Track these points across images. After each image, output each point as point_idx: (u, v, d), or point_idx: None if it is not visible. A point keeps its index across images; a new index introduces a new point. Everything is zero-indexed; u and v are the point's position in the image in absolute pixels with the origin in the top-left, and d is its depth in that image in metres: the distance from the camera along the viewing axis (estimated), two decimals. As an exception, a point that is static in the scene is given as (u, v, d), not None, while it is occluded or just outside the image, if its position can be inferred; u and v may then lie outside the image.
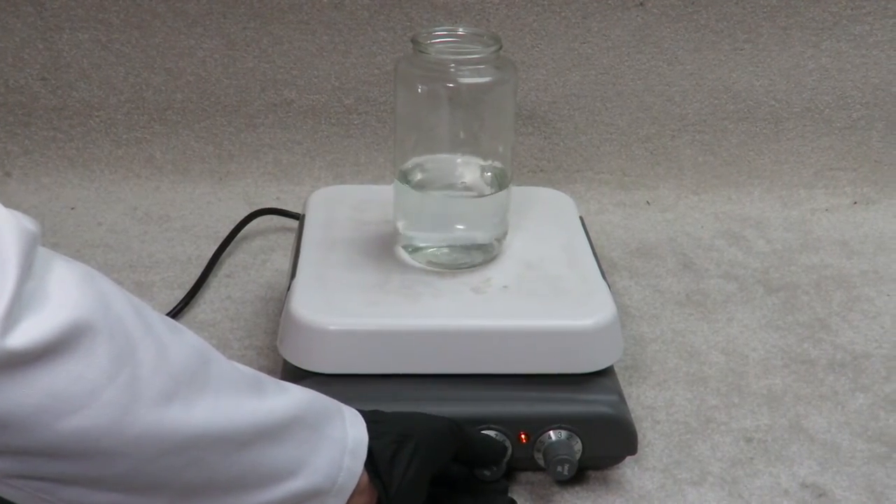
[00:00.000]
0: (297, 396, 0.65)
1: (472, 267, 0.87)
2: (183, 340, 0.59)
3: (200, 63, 1.29)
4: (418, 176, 0.86)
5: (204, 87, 1.30)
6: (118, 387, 0.54)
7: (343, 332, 0.79)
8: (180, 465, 0.57)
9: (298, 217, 0.99)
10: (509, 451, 0.79)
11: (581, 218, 0.98)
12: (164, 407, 0.56)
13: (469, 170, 0.87)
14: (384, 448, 0.68)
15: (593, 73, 1.30)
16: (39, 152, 1.32)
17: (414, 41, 0.82)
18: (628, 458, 0.85)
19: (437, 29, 0.84)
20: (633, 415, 0.83)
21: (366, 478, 0.67)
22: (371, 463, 0.67)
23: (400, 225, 0.89)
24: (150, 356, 0.56)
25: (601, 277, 0.87)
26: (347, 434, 0.66)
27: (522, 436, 0.79)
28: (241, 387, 0.61)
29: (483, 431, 0.79)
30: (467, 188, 0.87)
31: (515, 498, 0.81)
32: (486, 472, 0.79)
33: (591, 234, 0.97)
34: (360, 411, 0.70)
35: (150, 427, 0.55)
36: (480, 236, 0.88)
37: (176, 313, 1.04)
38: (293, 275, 0.86)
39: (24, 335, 0.51)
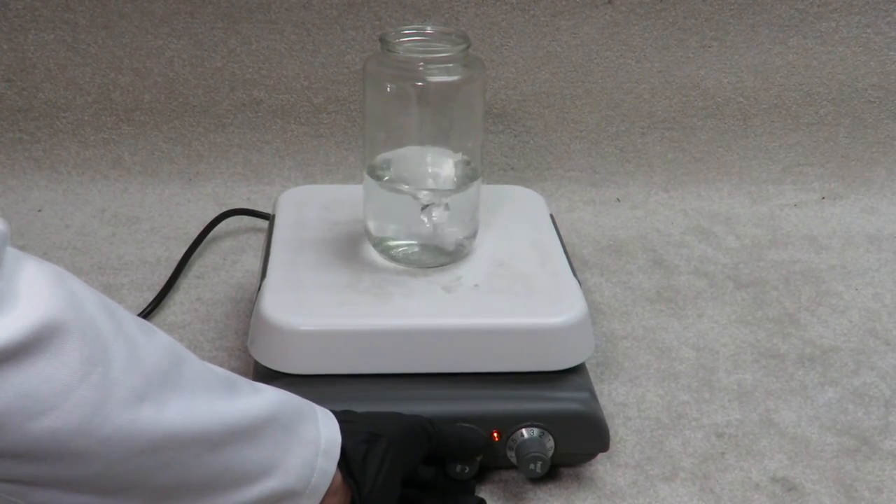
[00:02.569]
0: (270, 397, 0.64)
1: (442, 265, 0.87)
2: (155, 341, 0.59)
3: (168, 63, 1.28)
4: (388, 173, 0.86)
5: (172, 87, 1.29)
6: (89, 387, 0.53)
7: (314, 332, 0.79)
8: (152, 466, 0.57)
9: (268, 217, 0.99)
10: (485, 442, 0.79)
11: (551, 216, 0.99)
12: (136, 407, 0.55)
13: (439, 166, 0.87)
14: (357, 447, 0.68)
15: (562, 70, 1.30)
16: (5, 154, 1.30)
17: (382, 40, 0.82)
18: (600, 455, 0.85)
19: (405, 28, 0.84)
20: (604, 411, 0.84)
21: (339, 478, 0.67)
22: (344, 463, 0.67)
23: (370, 225, 0.89)
24: (121, 356, 0.55)
25: (572, 275, 0.87)
26: (321, 434, 0.66)
27: (495, 434, 0.79)
28: (215, 387, 0.61)
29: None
30: (437, 185, 0.87)
31: (488, 496, 0.81)
32: (458, 469, 0.79)
33: (561, 231, 0.97)
34: (332, 411, 0.70)
35: (122, 427, 0.55)
36: (451, 234, 0.88)
37: (146, 315, 1.03)
38: (263, 275, 0.86)
39: None
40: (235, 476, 0.61)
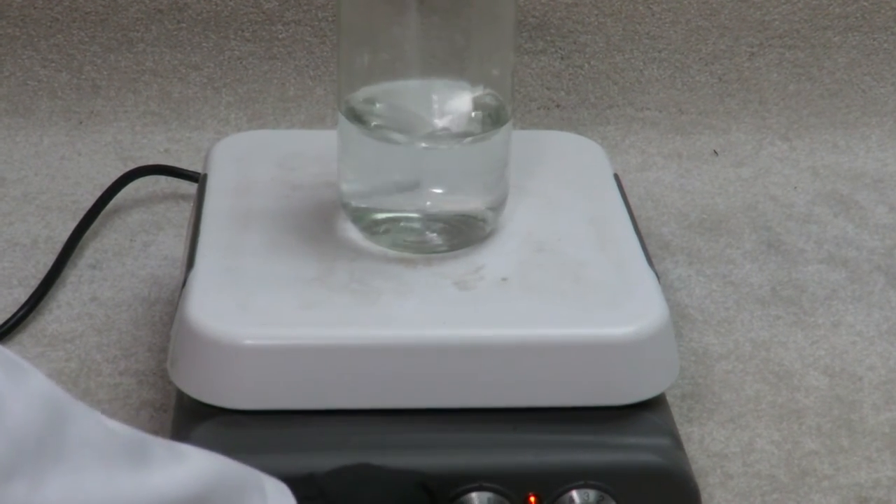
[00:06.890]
0: (196, 469, 0.64)
1: (454, 250, 0.88)
2: (26, 388, 0.59)
3: (48, -50, 1.28)
4: (374, 115, 0.86)
5: (54, -15, 1.29)
6: None
7: (265, 348, 0.80)
8: None
9: (197, 178, 0.99)
10: None
11: (616, 176, 0.99)
12: (0, 488, 0.56)
13: (450, 104, 0.87)
14: None
15: (633, -40, 1.31)
16: None
17: (366, -85, 0.82)
18: (688, 530, 0.85)
19: None
20: (694, 466, 0.84)
21: None
22: None
23: (348, 189, 0.89)
24: None
25: (646, 264, 0.88)
26: None
27: (532, 498, 0.80)
28: (114, 455, 0.61)
29: (478, 492, 0.79)
30: (447, 131, 0.87)
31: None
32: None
33: (630, 199, 0.97)
34: (289, 482, 0.70)
35: None
36: (467, 203, 0.88)
37: (16, 324, 1.03)
38: (190, 265, 0.86)
39: None
40: None
